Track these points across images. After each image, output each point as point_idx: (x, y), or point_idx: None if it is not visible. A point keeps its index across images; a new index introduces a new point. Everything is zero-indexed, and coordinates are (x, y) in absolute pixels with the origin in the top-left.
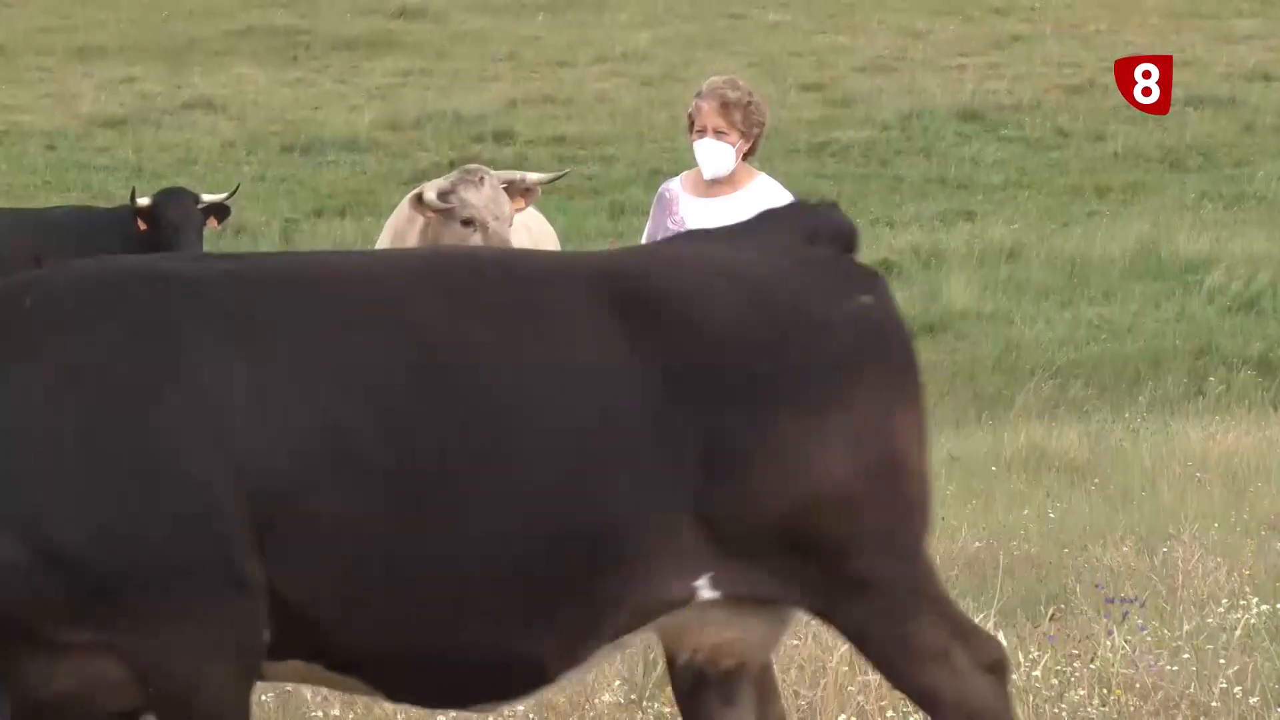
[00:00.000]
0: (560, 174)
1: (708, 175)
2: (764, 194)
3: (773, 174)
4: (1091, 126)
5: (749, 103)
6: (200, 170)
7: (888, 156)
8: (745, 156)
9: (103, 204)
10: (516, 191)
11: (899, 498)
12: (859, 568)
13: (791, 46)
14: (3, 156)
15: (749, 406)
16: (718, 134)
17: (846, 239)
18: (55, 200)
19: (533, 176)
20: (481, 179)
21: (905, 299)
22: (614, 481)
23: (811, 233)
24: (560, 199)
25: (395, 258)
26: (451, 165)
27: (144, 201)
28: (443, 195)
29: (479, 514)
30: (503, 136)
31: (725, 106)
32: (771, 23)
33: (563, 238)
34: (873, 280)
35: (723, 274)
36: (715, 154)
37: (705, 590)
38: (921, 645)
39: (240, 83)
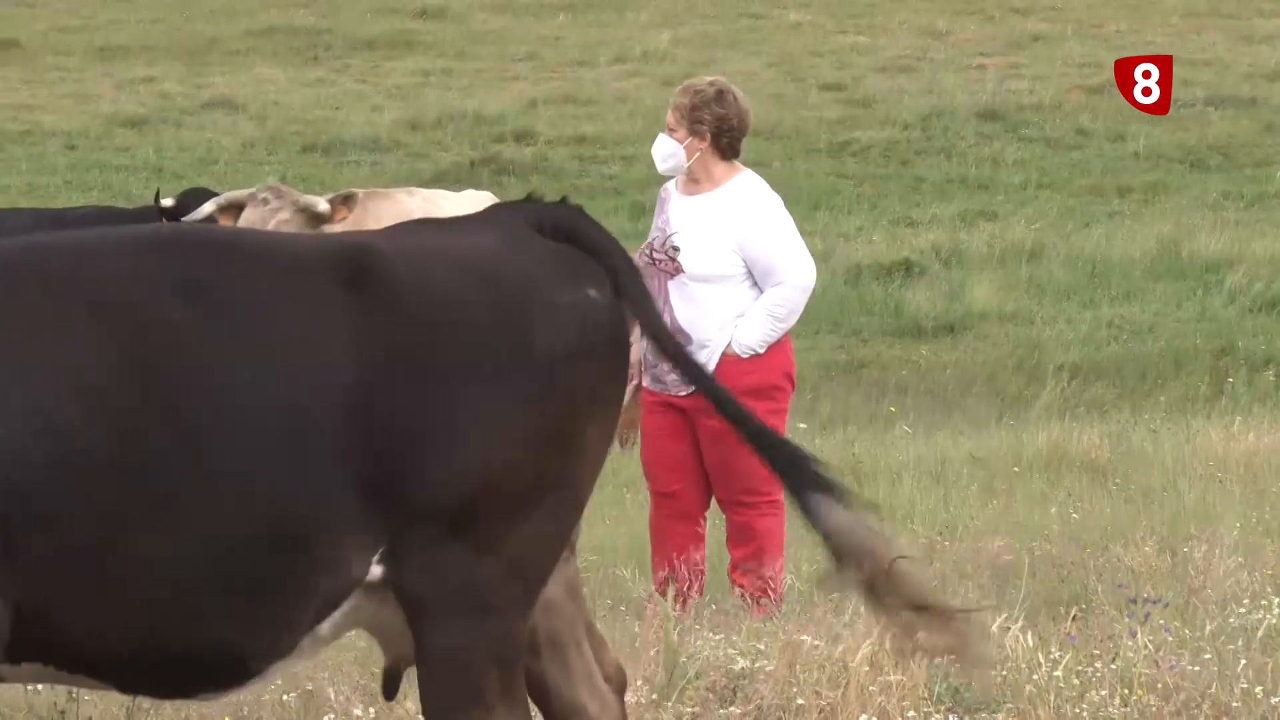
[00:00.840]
0: (350, 192)
1: (659, 169)
2: (740, 191)
3: (793, 174)
4: (1112, 126)
5: (695, 104)
6: (221, 170)
7: (908, 156)
8: (726, 157)
9: (123, 204)
10: (338, 202)
11: (565, 500)
12: (494, 565)
13: (812, 46)
14: (23, 156)
15: (453, 389)
16: (670, 131)
17: (574, 235)
18: (76, 200)
19: (322, 205)
20: (266, 200)
21: (926, 299)
22: (313, 469)
23: (539, 226)
24: (582, 199)
25: (127, 239)
26: (472, 165)
27: (168, 202)
28: (235, 206)
29: (185, 509)
30: (523, 136)
31: (674, 106)
32: (792, 22)
33: None
34: (602, 276)
35: (451, 259)
36: (658, 147)
37: (376, 569)
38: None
39: (261, 83)
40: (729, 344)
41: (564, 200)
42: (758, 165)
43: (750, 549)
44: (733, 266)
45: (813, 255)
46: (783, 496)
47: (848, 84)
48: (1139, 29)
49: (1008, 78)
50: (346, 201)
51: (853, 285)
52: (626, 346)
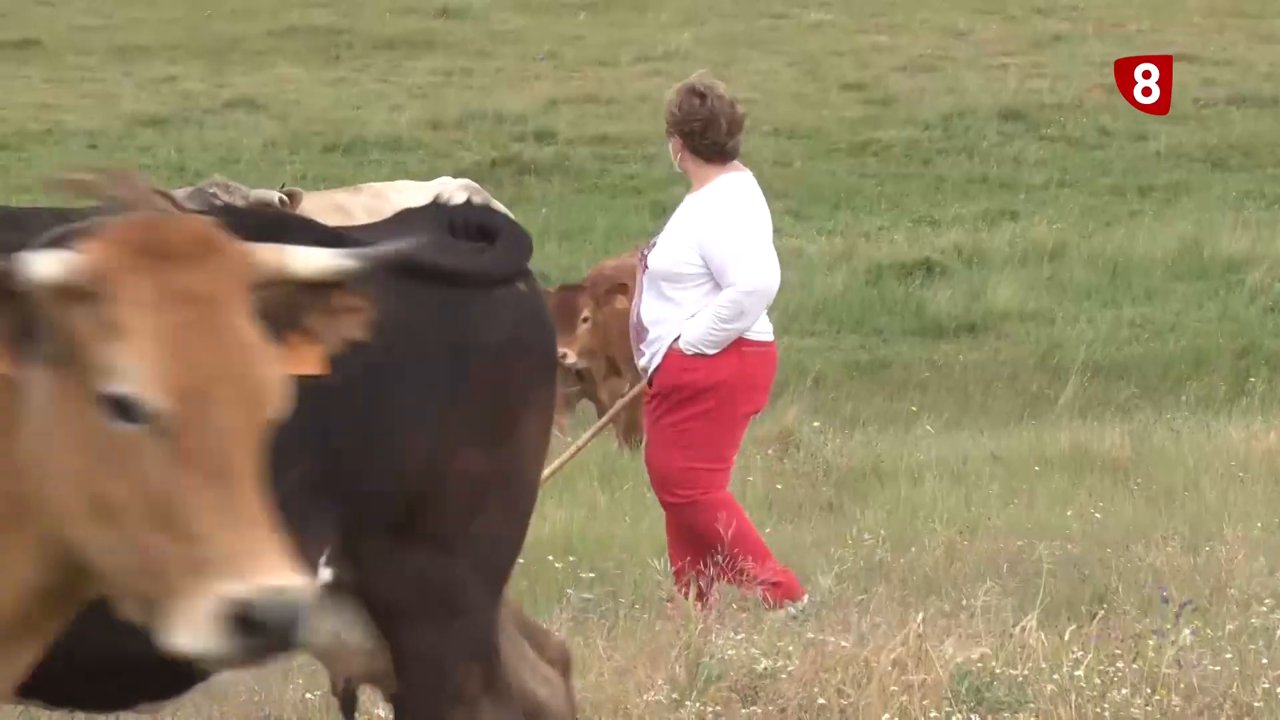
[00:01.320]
0: (294, 190)
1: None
2: (714, 192)
3: (814, 173)
4: (1133, 126)
5: (667, 107)
6: (243, 170)
7: (930, 156)
8: (708, 159)
9: None
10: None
11: (515, 491)
12: (455, 563)
13: (833, 46)
14: (45, 155)
15: (393, 388)
16: None
17: (486, 232)
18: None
19: (272, 195)
20: (215, 196)
21: (948, 299)
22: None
23: (450, 227)
24: (603, 198)
25: None
26: (493, 165)
27: None
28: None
29: None
30: (544, 136)
31: None
32: (813, 22)
33: (605, 237)
34: (526, 270)
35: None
36: None
37: (324, 571)
38: (489, 644)
39: (281, 82)
40: (677, 340)
41: (469, 201)
42: (777, 164)
43: (699, 548)
44: (690, 265)
45: (833, 255)
46: (706, 498)
47: (869, 83)
48: (1160, 29)
49: (1029, 77)
50: (291, 199)
51: (874, 285)
52: (555, 337)
